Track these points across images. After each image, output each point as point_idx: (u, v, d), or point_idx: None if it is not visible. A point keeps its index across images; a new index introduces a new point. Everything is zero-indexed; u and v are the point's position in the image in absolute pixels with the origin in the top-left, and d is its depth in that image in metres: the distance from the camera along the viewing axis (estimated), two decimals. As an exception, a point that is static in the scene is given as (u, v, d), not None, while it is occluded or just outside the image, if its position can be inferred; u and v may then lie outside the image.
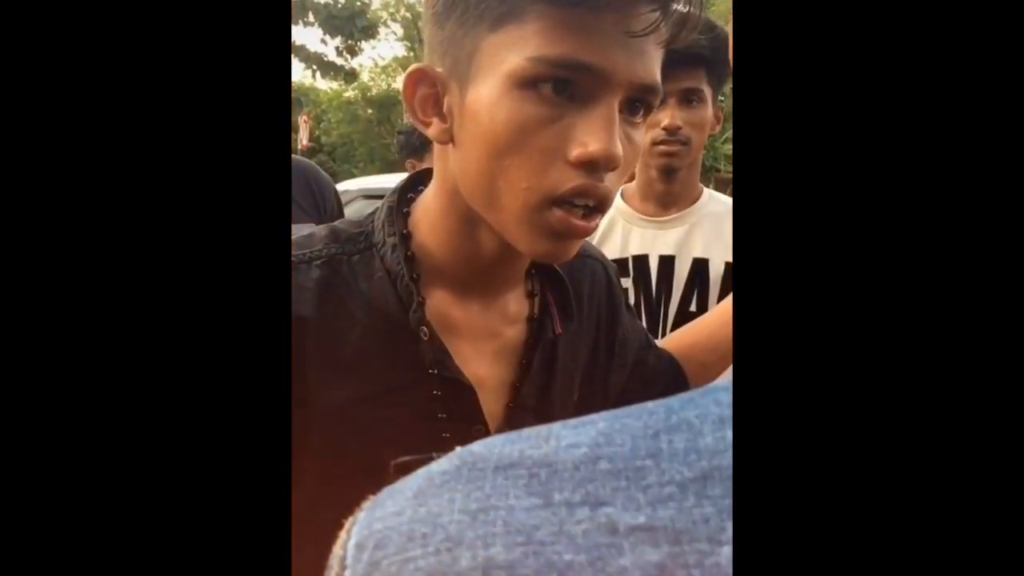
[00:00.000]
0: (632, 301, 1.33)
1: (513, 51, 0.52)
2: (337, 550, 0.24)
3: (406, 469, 0.26)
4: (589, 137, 0.53)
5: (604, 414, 0.25)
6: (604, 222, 1.37)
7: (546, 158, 0.53)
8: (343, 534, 0.25)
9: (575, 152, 0.53)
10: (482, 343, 0.66)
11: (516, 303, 0.69)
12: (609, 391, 0.78)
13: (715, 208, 1.35)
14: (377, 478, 0.62)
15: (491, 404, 0.66)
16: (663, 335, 1.32)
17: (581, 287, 0.75)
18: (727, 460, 0.22)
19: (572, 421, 0.25)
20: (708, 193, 1.37)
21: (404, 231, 0.65)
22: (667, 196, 1.34)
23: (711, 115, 1.28)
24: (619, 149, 0.53)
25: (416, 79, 0.59)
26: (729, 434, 0.22)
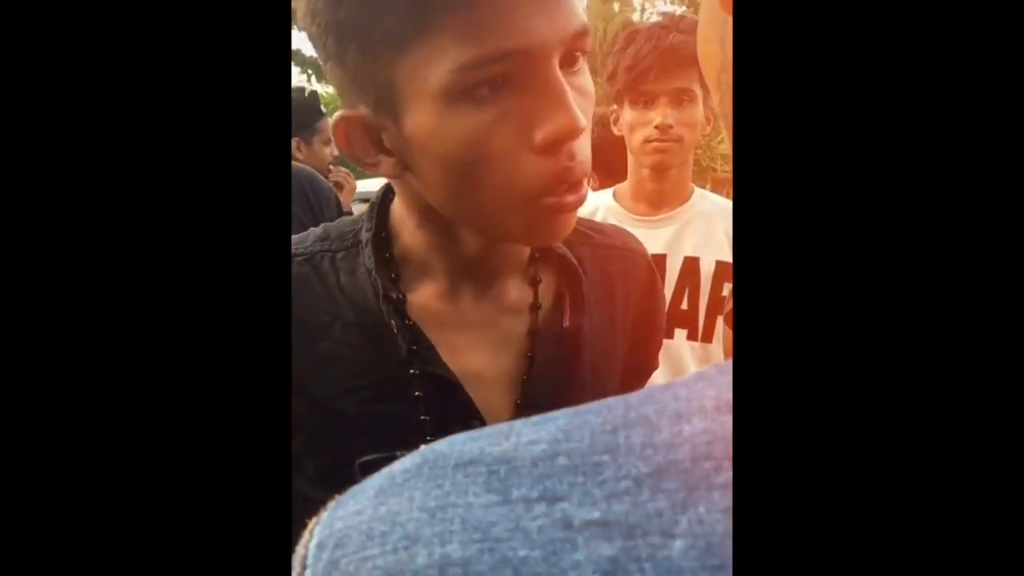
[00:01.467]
0: (624, 300, 1.34)
1: (433, 68, 0.49)
2: (300, 549, 0.25)
3: (370, 468, 0.26)
4: (546, 116, 0.50)
5: (566, 411, 0.25)
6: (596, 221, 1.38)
7: (511, 156, 0.51)
8: (306, 534, 0.25)
9: (539, 137, 0.50)
10: (477, 333, 0.63)
11: (516, 291, 0.65)
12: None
13: (706, 207, 1.35)
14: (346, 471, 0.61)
15: (495, 398, 0.63)
16: (654, 333, 1.33)
17: (613, 279, 0.70)
18: (682, 454, 0.22)
19: (534, 418, 0.25)
20: (699, 192, 1.38)
21: (383, 233, 0.63)
22: (658, 195, 1.35)
23: (703, 115, 1.29)
24: (580, 116, 0.50)
25: (344, 128, 0.56)
26: (686, 428, 0.23)
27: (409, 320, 0.60)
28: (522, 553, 0.21)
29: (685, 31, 1.25)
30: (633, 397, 0.25)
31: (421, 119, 0.51)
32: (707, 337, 1.34)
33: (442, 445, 0.25)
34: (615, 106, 1.38)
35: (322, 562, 0.23)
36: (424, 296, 0.63)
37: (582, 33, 0.51)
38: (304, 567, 0.24)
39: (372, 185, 3.91)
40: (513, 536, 0.21)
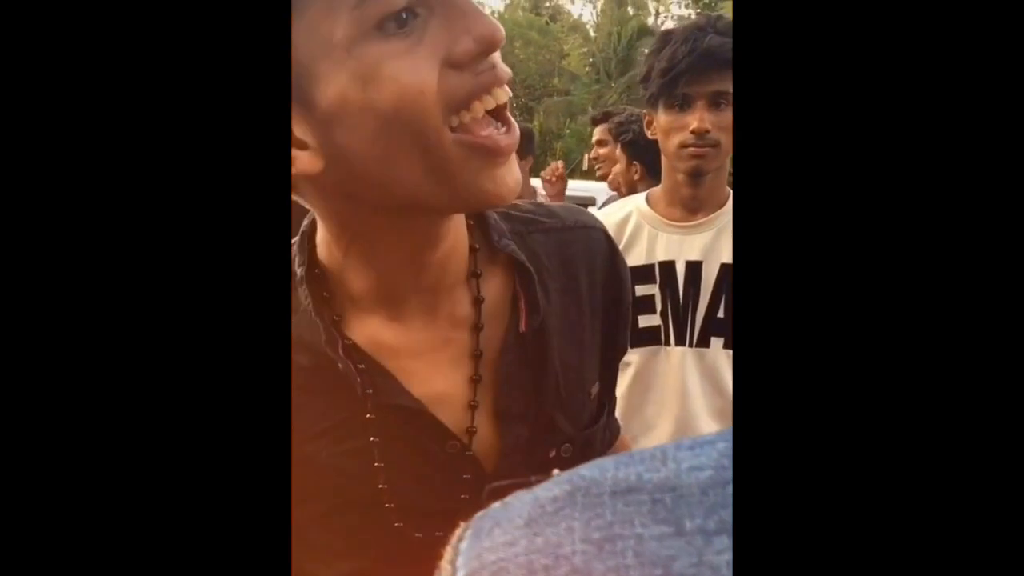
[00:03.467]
0: (659, 308, 1.31)
1: (333, 17, 0.47)
2: None
3: (500, 493, 0.24)
4: (461, 30, 0.49)
5: (719, 434, 0.24)
6: (629, 228, 1.35)
7: (434, 81, 0.48)
8: (445, 565, 0.23)
9: (459, 48, 0.49)
10: (432, 356, 0.61)
11: (464, 301, 0.62)
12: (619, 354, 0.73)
13: None
14: (340, 516, 0.60)
15: (464, 416, 0.61)
16: (691, 343, 1.30)
17: (576, 261, 0.67)
18: None
19: (685, 442, 0.24)
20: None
21: (316, 269, 0.60)
22: (694, 201, 1.32)
23: None
24: (498, 24, 0.49)
25: None
26: None
27: (361, 363, 0.58)
28: None
29: (722, 32, 1.22)
30: None
31: (335, 79, 0.49)
32: (745, 346, 1.30)
33: (590, 471, 0.23)
34: (649, 109, 1.35)
35: None
36: (371, 328, 0.60)
37: None
38: None
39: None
40: (699, 572, 0.19)
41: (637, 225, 1.35)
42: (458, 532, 0.24)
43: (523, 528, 0.22)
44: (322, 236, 0.60)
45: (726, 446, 0.23)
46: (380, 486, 0.59)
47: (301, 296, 0.59)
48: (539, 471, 0.61)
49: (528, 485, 0.24)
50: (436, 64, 0.49)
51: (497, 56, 0.52)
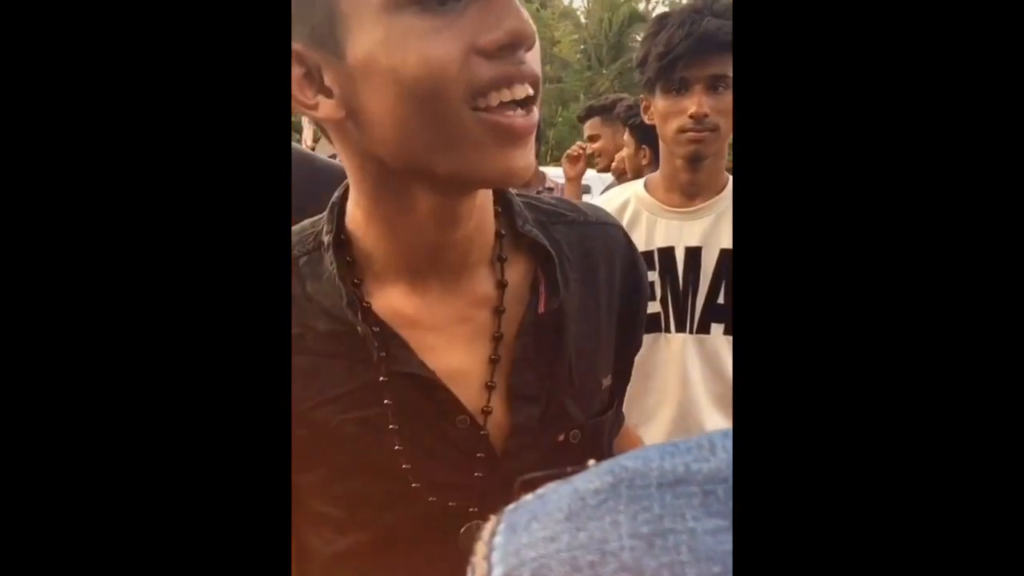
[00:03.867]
0: (659, 295, 1.30)
1: None
2: None
3: (533, 486, 0.23)
4: (495, 22, 0.50)
5: None
6: (628, 214, 1.34)
7: (460, 60, 0.50)
8: (480, 561, 0.21)
9: (488, 38, 0.50)
10: (450, 331, 0.62)
11: (485, 281, 0.64)
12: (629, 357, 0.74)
13: None
14: (349, 482, 0.62)
15: (478, 393, 0.62)
16: (692, 329, 1.29)
17: (595, 255, 0.69)
18: None
19: (731, 430, 0.22)
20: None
21: (342, 235, 0.62)
22: (692, 186, 1.31)
23: None
24: (531, 24, 0.51)
25: None
26: None
27: (376, 327, 0.60)
28: None
29: (719, 14, 1.21)
30: None
31: (366, 38, 0.50)
32: (745, 331, 1.30)
33: (633, 462, 0.22)
34: (646, 94, 1.34)
35: None
36: (391, 297, 0.62)
37: None
38: None
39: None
40: None
41: (635, 212, 1.34)
42: (489, 527, 0.22)
43: (564, 522, 0.21)
44: (351, 203, 0.62)
45: None
46: (396, 447, 0.60)
47: (327, 262, 0.61)
48: (547, 454, 0.63)
49: (563, 476, 0.23)
50: (464, 47, 0.50)
51: (530, 55, 0.53)
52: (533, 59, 0.53)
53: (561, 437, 0.64)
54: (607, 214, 0.75)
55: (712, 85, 1.22)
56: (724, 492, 0.20)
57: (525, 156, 0.55)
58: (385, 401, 0.60)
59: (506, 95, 0.52)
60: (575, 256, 0.67)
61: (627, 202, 1.36)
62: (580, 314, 0.66)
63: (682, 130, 1.24)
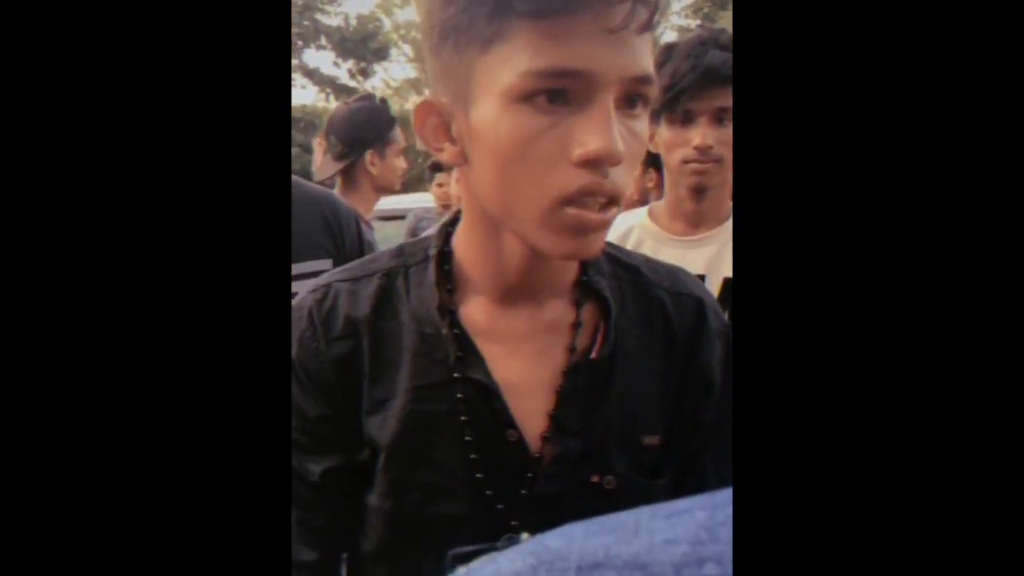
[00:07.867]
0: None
1: (504, 70, 0.56)
2: None
3: (463, 560, 0.23)
4: (588, 137, 0.55)
5: (699, 499, 0.22)
6: (631, 242, 1.35)
7: (550, 163, 0.56)
8: None
9: (576, 152, 0.56)
10: (516, 345, 0.69)
11: (559, 311, 0.71)
12: (701, 431, 0.73)
13: None
14: (404, 462, 0.68)
15: (530, 407, 0.68)
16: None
17: (652, 318, 0.73)
18: None
19: (662, 508, 0.22)
20: (738, 212, 1.35)
21: (445, 248, 0.71)
22: (697, 215, 1.32)
23: None
24: (619, 144, 0.55)
25: (424, 112, 0.64)
26: None
27: (458, 329, 0.68)
28: None
29: (724, 47, 1.22)
30: None
31: (485, 111, 0.58)
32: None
33: (556, 541, 0.22)
34: (651, 123, 1.35)
35: None
36: (474, 308, 0.70)
37: (643, 79, 0.57)
38: None
39: (392, 204, 3.91)
40: None
41: (639, 240, 1.35)
42: None
43: None
44: (461, 225, 0.71)
45: (705, 517, 0.21)
46: (466, 438, 0.67)
47: (430, 271, 0.70)
48: (578, 489, 0.68)
49: (495, 550, 0.23)
50: (557, 155, 0.56)
51: (616, 170, 0.57)
52: (619, 173, 0.58)
53: (595, 479, 0.68)
54: (688, 283, 0.76)
55: (717, 117, 1.23)
56: None
57: (597, 242, 0.61)
58: (458, 395, 0.67)
59: (588, 200, 0.57)
60: (633, 313, 0.72)
61: (631, 230, 1.37)
62: (632, 369, 0.70)
63: (686, 161, 1.25)
